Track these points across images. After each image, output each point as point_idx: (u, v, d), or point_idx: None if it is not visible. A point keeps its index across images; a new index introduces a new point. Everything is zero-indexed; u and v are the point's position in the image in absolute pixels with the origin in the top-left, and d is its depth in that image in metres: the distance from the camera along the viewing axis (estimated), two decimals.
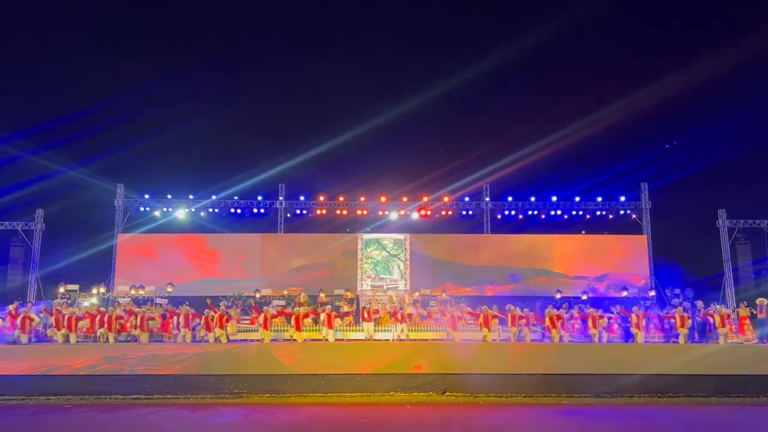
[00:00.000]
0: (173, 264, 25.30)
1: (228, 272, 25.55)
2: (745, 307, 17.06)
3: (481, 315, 16.40)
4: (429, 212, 26.60)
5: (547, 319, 16.40)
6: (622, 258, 25.96)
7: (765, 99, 24.33)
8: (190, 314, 16.50)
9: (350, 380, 14.91)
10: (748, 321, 16.76)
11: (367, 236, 26.42)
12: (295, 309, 17.35)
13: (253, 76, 27.44)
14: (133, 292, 22.75)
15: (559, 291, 23.96)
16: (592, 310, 17.10)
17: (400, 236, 26.29)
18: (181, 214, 26.15)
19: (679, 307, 17.20)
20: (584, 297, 23.23)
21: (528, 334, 16.43)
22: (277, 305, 18.68)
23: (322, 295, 22.55)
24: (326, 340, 16.21)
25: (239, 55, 26.82)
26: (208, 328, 16.04)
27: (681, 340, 16.30)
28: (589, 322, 16.54)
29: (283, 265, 25.81)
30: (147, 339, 16.01)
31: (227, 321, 16.31)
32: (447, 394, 14.78)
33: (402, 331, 16.53)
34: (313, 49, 27.41)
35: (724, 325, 16.35)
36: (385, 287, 23.85)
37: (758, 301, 17.17)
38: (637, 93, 25.37)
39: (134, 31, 26.89)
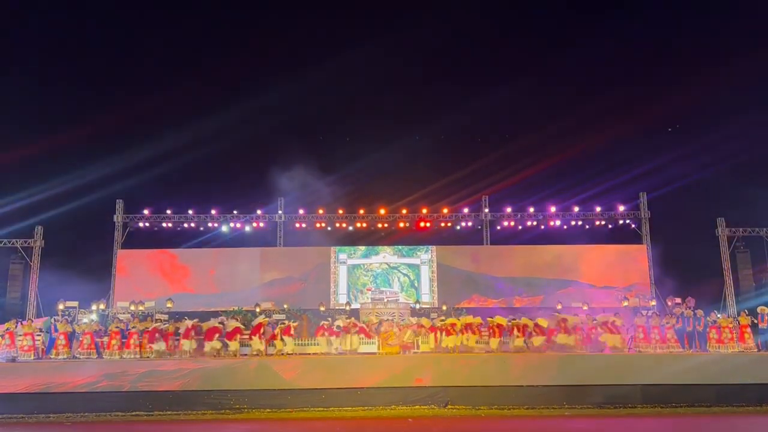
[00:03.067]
0: (140, 280, 25.26)
1: (198, 287, 25.52)
2: (746, 315, 17.08)
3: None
4: (428, 224, 26.62)
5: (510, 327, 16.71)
6: (624, 268, 25.96)
7: (763, 108, 24.46)
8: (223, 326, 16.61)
9: (351, 394, 14.83)
10: (749, 329, 16.76)
11: (335, 249, 26.49)
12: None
13: (250, 88, 27.54)
14: (132, 307, 22.70)
15: (553, 302, 23.96)
16: (540, 319, 17.18)
17: (428, 247, 26.35)
18: (180, 229, 26.13)
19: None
20: (585, 307, 23.16)
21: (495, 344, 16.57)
22: (278, 319, 18.61)
23: (322, 308, 22.64)
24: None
25: (235, 68, 26.92)
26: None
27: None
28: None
29: (255, 280, 25.65)
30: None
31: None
32: (449, 406, 14.71)
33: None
34: (312, 60, 27.53)
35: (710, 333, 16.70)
36: (385, 300, 23.77)
37: (759, 309, 17.22)
38: (636, 103, 25.58)
39: (132, 45, 27.06)
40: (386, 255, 26.47)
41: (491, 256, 26.44)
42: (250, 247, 26.44)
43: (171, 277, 25.60)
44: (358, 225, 26.50)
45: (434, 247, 26.39)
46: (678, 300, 22.19)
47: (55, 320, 17.84)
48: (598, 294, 25.06)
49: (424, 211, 26.52)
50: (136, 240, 26.19)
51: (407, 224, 26.60)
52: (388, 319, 17.98)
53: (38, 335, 16.90)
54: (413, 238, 26.91)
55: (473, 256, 26.40)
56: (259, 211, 26.36)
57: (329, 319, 17.78)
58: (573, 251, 26.27)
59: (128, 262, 25.65)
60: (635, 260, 26.13)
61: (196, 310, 21.95)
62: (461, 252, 26.53)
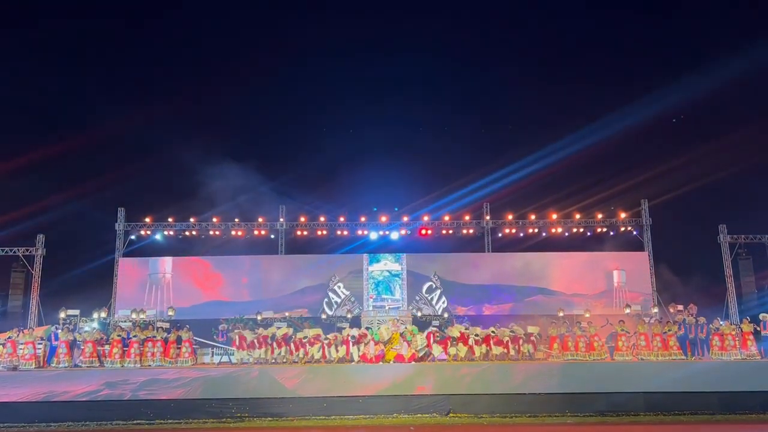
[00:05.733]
0: (174, 287, 25.20)
1: (231, 294, 25.34)
2: (749, 322, 17.04)
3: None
4: (430, 231, 26.55)
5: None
6: (624, 275, 25.84)
7: (765, 115, 24.50)
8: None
9: (353, 402, 14.81)
10: (751, 336, 16.73)
11: (368, 256, 26.32)
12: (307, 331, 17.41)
13: (248, 95, 27.67)
14: (134, 316, 22.68)
15: (521, 309, 24.08)
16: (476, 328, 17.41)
17: (398, 255, 26.12)
18: (182, 237, 26.11)
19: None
20: (587, 314, 23.09)
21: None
22: (280, 327, 18.56)
23: (323, 317, 22.63)
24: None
25: (232, 76, 27.05)
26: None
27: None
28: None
29: (288, 287, 25.51)
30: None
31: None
32: (451, 415, 14.68)
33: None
34: (311, 65, 27.65)
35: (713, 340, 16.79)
36: (386, 308, 23.75)
37: (761, 316, 17.19)
38: (638, 110, 25.57)
39: (131, 55, 27.22)
40: (387, 262, 26.36)
41: (461, 263, 26.17)
42: (282, 255, 26.28)
43: (204, 285, 25.46)
44: (359, 233, 26.45)
45: (404, 255, 26.20)
46: (680, 307, 22.13)
47: (56, 328, 17.83)
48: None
49: (426, 218, 26.46)
50: (138, 247, 26.14)
51: (408, 232, 26.54)
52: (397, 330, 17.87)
53: (39, 344, 16.89)
54: (415, 245, 26.81)
55: (443, 263, 26.15)
56: (260, 219, 26.31)
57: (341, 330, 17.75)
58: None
59: (130, 270, 25.53)
60: (637, 267, 25.96)
61: (199, 318, 21.96)
62: (431, 259, 26.26)
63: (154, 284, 25.25)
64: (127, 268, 25.52)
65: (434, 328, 18.24)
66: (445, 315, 23.13)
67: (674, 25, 27.06)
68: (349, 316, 22.70)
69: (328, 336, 17.10)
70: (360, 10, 27.43)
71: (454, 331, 17.23)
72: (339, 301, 25.48)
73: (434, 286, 25.70)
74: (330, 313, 25.01)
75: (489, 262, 26.20)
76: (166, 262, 25.65)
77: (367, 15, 27.45)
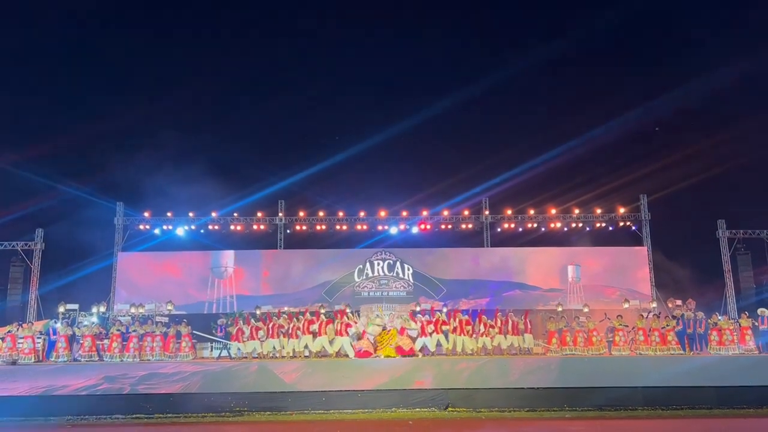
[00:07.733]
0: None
1: (251, 288, 25.35)
2: (747, 317, 17.09)
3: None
4: (429, 226, 26.52)
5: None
6: (622, 270, 25.81)
7: (765, 110, 24.48)
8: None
9: (351, 397, 14.82)
10: (749, 331, 16.78)
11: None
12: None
13: (252, 94, 27.66)
14: (133, 310, 22.67)
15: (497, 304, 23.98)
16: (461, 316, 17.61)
17: (379, 251, 26.06)
18: (181, 231, 26.06)
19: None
20: (585, 309, 23.10)
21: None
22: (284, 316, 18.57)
23: (322, 310, 22.54)
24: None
25: (238, 73, 27.03)
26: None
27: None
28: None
29: (308, 281, 25.52)
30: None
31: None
32: (449, 409, 14.71)
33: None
34: (312, 66, 27.65)
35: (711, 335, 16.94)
36: (384, 302, 23.75)
37: (759, 311, 17.25)
38: (637, 107, 25.60)
39: (133, 47, 27.17)
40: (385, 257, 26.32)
41: (437, 258, 26.09)
42: (303, 249, 26.31)
43: (225, 279, 25.45)
44: (358, 227, 26.43)
45: (383, 251, 26.03)
46: (679, 302, 22.14)
47: (54, 323, 17.85)
48: (545, 296, 25.00)
49: (424, 213, 26.42)
50: (137, 242, 26.12)
51: (406, 227, 26.51)
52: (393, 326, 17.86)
53: (38, 338, 16.92)
54: (414, 240, 26.77)
55: (420, 258, 26.03)
56: (259, 214, 26.28)
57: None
58: (521, 254, 26.09)
59: (129, 264, 25.50)
60: (635, 262, 25.89)
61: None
62: (406, 254, 26.13)
63: (216, 278, 25.33)
64: (125, 262, 25.44)
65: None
66: (445, 309, 23.10)
67: (672, 24, 27.04)
68: (348, 311, 22.70)
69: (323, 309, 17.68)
70: (362, 10, 27.47)
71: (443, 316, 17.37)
72: (371, 275, 25.56)
73: (391, 261, 25.73)
74: (357, 280, 25.35)
75: (466, 257, 26.22)
76: (228, 256, 25.65)
77: (368, 14, 27.48)
